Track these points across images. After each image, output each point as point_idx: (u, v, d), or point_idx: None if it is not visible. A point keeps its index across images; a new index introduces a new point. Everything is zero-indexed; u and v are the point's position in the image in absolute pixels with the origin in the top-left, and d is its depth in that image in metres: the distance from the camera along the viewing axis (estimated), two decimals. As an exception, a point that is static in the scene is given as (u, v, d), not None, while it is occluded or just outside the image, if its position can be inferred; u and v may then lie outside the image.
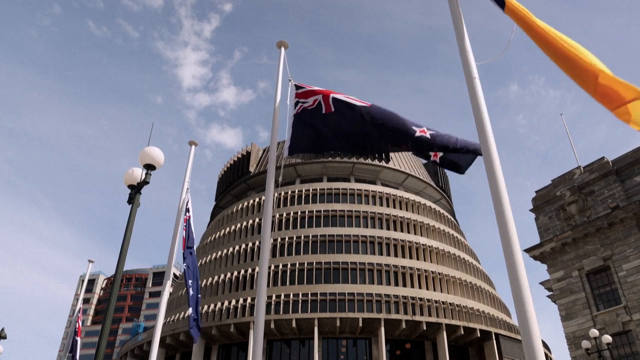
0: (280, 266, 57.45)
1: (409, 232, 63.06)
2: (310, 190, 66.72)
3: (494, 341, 54.38)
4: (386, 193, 67.52)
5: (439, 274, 59.07)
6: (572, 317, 33.98)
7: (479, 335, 54.25)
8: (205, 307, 55.59)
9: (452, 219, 74.75)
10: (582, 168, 37.29)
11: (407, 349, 54.67)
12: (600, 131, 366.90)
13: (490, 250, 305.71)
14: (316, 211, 63.55)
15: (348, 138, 9.25)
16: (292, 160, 70.57)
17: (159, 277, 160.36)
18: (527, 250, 37.46)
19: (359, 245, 59.94)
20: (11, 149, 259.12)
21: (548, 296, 41.78)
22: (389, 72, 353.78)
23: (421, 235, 63.48)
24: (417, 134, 8.00)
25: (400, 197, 67.88)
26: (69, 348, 20.99)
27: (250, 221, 65.40)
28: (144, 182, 10.90)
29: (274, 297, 53.42)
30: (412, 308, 53.71)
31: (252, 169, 76.13)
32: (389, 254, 59.58)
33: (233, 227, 66.75)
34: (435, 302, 54.69)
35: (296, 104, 9.82)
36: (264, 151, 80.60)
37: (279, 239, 60.45)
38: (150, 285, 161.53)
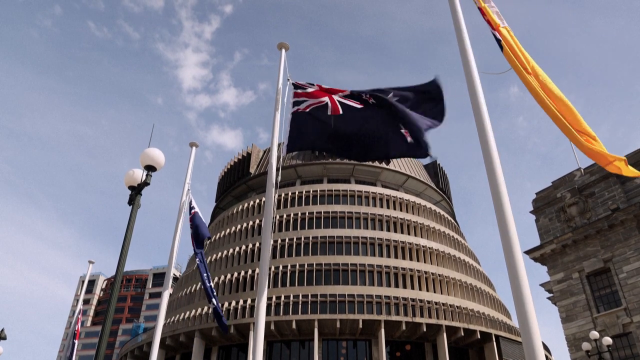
0: (281, 267, 57.42)
1: (409, 234, 63.03)
2: (311, 192, 66.71)
3: (494, 343, 54.31)
4: (386, 194, 67.52)
5: (439, 275, 59.02)
6: (572, 319, 33.95)
7: (479, 337, 54.17)
8: (205, 308, 55.56)
9: (452, 220, 74.72)
10: (582, 170, 37.28)
11: (407, 351, 54.61)
12: (601, 133, 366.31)
13: (490, 251, 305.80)
14: (316, 212, 63.55)
15: (347, 141, 9.26)
16: (292, 161, 70.58)
17: (159, 278, 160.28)
18: (528, 252, 37.43)
19: (359, 246, 59.91)
20: (11, 149, 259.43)
21: (548, 298, 41.77)
22: (389, 73, 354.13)
23: (421, 237, 63.45)
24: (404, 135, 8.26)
25: (400, 198, 67.87)
26: (69, 349, 20.97)
27: (251, 222, 65.39)
28: (145, 184, 10.90)
29: (274, 299, 53.38)
30: (412, 310, 53.66)
31: (252, 170, 76.13)
32: (389, 256, 59.54)
33: (233, 228, 66.74)
34: (436, 303, 54.64)
35: (295, 102, 9.83)
36: (264, 152, 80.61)
37: (279, 240, 60.43)
38: (150, 286, 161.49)
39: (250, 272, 58.61)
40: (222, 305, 55.22)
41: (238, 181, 77.14)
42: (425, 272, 58.49)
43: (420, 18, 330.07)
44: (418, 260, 60.05)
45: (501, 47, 6.05)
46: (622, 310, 31.50)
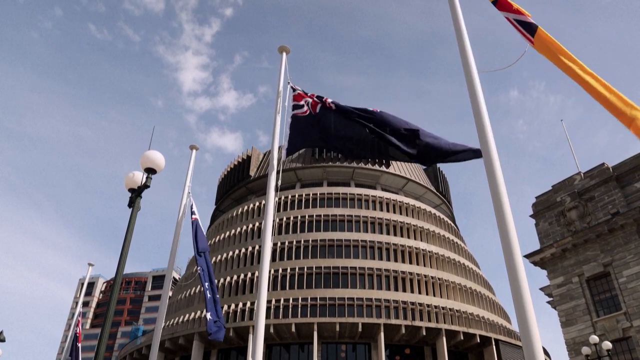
0: (280, 270, 57.39)
1: (408, 237, 63.03)
2: (311, 195, 66.72)
3: (494, 347, 54.25)
4: (386, 198, 67.51)
5: (438, 279, 58.99)
6: (572, 323, 33.90)
7: (478, 340, 54.10)
8: (205, 311, 55.40)
9: (452, 224, 74.71)
10: (582, 174, 37.28)
11: (407, 354, 54.52)
12: (600, 137, 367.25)
13: (489, 255, 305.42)
14: (316, 216, 63.54)
15: (348, 140, 9.30)
16: (292, 164, 70.61)
17: (158, 280, 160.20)
18: (527, 256, 37.38)
19: (358, 250, 59.88)
20: (12, 150, 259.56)
21: (548, 302, 41.67)
22: (389, 75, 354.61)
23: (421, 241, 63.44)
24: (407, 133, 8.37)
25: (400, 202, 67.88)
26: (68, 353, 20.93)
27: (250, 225, 65.37)
28: (145, 186, 10.91)
29: (273, 302, 53.32)
30: (411, 313, 53.63)
31: (252, 173, 76.15)
32: (388, 259, 59.53)
33: (233, 231, 66.72)
34: (435, 307, 54.61)
35: (294, 106, 9.87)
36: (264, 155, 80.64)
37: (279, 244, 60.40)
38: (149, 289, 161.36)
39: (249, 275, 58.57)
40: (222, 308, 54.98)
41: (238, 184, 77.15)
42: (425, 276, 58.45)
43: (420, 20, 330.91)
44: (418, 264, 60.02)
45: (532, 31, 5.94)
46: (622, 314, 31.45)
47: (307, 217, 63.49)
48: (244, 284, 58.43)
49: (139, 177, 11.07)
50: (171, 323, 58.84)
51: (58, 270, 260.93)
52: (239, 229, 66.02)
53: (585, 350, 28.61)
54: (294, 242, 60.43)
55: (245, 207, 69.39)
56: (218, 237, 68.41)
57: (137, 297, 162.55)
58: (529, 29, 6.00)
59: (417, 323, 52.26)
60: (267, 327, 49.74)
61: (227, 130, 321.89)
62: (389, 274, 57.53)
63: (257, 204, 68.34)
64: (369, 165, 71.31)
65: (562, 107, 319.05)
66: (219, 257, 63.74)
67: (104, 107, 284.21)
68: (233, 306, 54.99)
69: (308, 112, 9.69)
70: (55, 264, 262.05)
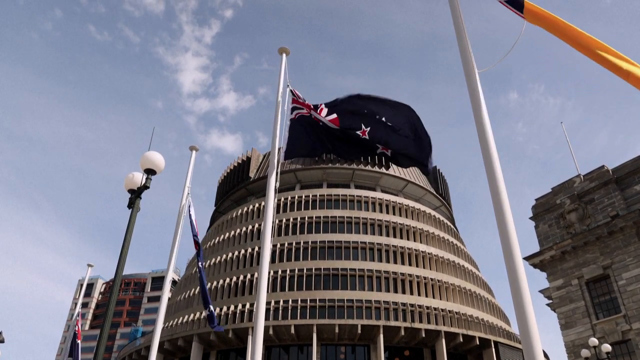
0: (280, 272, 57.35)
1: (408, 239, 62.99)
2: (310, 196, 66.70)
3: (493, 349, 54.21)
4: (386, 200, 67.49)
5: (438, 281, 58.96)
6: (571, 326, 33.88)
7: (478, 343, 54.07)
8: (204, 312, 55.41)
9: (452, 226, 74.70)
10: (582, 176, 37.29)
11: (406, 356, 54.46)
12: (600, 139, 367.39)
13: (489, 257, 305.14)
14: (316, 217, 63.51)
15: (346, 142, 9.37)
16: (292, 166, 70.59)
17: (157, 281, 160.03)
18: (527, 258, 37.37)
19: (358, 251, 59.84)
20: (11, 151, 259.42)
21: (547, 304, 41.66)
22: (389, 77, 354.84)
23: (421, 242, 63.41)
24: (361, 136, 8.82)
25: (400, 203, 67.87)
26: (67, 352, 20.91)
27: (250, 226, 65.33)
28: (144, 187, 10.90)
29: (272, 303, 53.27)
30: (411, 315, 53.59)
31: (252, 174, 76.14)
32: (388, 261, 59.49)
33: (233, 232, 66.68)
34: (435, 309, 54.57)
35: (293, 109, 9.89)
36: (264, 157, 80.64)
37: (279, 245, 60.37)
38: (148, 290, 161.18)
39: (249, 276, 58.51)
40: (221, 309, 55.12)
41: (238, 185, 77.13)
42: (425, 278, 58.43)
43: (420, 21, 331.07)
44: (417, 266, 59.99)
45: (520, 6, 6.02)
46: (621, 317, 31.44)
47: (306, 218, 63.46)
48: (243, 285, 58.38)
49: (139, 178, 11.07)
50: (170, 324, 58.77)
51: (57, 271, 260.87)
52: (238, 230, 65.99)
53: (585, 352, 28.61)
54: (294, 244, 60.39)
55: (245, 209, 69.37)
56: (218, 238, 68.38)
57: (137, 298, 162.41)
58: (517, 5, 6.11)
59: (417, 325, 52.23)
60: (266, 328, 49.69)
61: (226, 132, 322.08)
62: (388, 276, 57.49)
63: (257, 205, 68.30)
64: (369, 167, 71.34)
65: (561, 109, 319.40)
66: (219, 258, 63.69)
67: (104, 108, 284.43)
68: (232, 307, 54.94)
69: (306, 115, 9.72)
70: (55, 264, 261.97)
